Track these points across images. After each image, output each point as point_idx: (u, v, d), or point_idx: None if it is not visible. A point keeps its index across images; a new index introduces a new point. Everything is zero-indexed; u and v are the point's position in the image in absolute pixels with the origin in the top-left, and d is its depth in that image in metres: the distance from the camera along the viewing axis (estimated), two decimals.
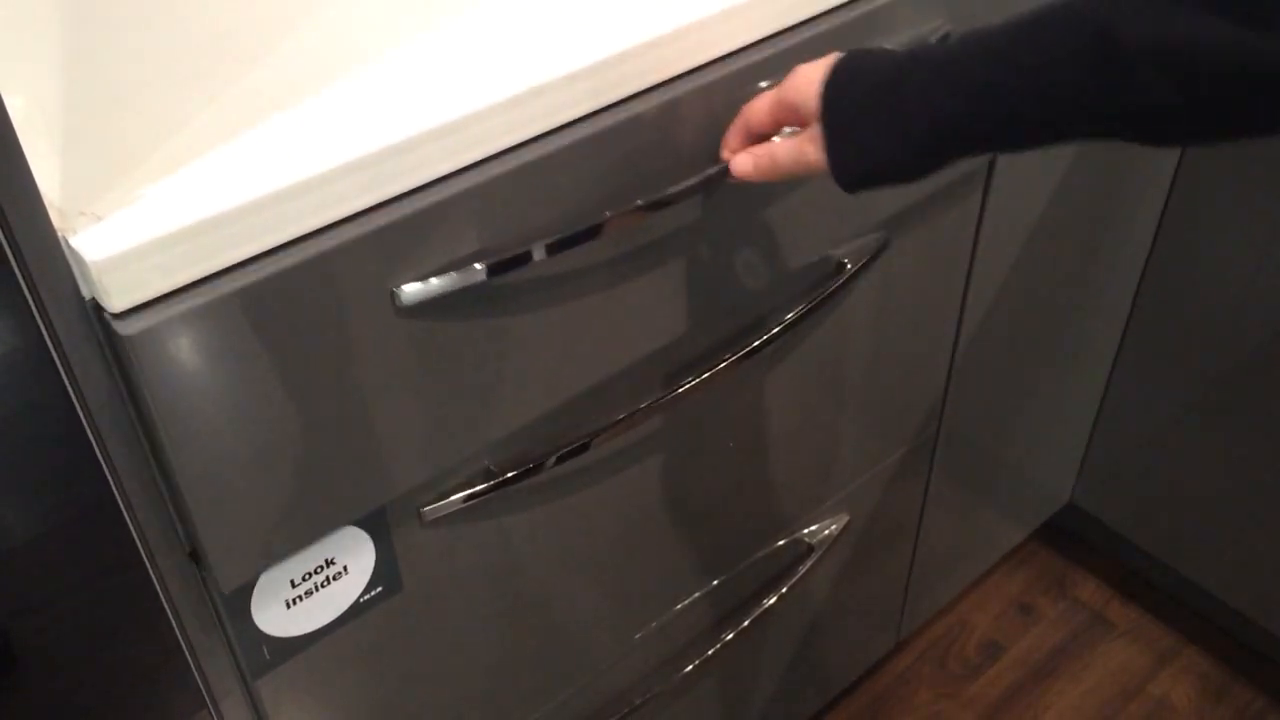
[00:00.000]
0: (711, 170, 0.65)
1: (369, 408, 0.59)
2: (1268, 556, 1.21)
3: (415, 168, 0.56)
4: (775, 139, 0.63)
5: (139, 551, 0.62)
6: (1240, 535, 1.23)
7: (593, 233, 0.62)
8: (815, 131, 0.59)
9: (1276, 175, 1.04)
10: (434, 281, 0.57)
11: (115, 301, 0.49)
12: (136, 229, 0.49)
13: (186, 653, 0.66)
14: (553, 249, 0.60)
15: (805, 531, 1.01)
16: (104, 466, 0.57)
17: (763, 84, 0.67)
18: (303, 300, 0.54)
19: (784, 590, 1.01)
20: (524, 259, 0.59)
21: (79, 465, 0.60)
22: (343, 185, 0.54)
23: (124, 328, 0.49)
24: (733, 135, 0.65)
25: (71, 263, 0.49)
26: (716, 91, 0.65)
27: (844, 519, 1.04)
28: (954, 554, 1.29)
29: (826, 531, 1.03)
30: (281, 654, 0.66)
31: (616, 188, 0.63)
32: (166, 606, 0.63)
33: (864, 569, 1.14)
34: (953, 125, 0.55)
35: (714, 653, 0.99)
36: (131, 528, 0.60)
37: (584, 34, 0.62)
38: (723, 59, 0.66)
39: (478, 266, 0.58)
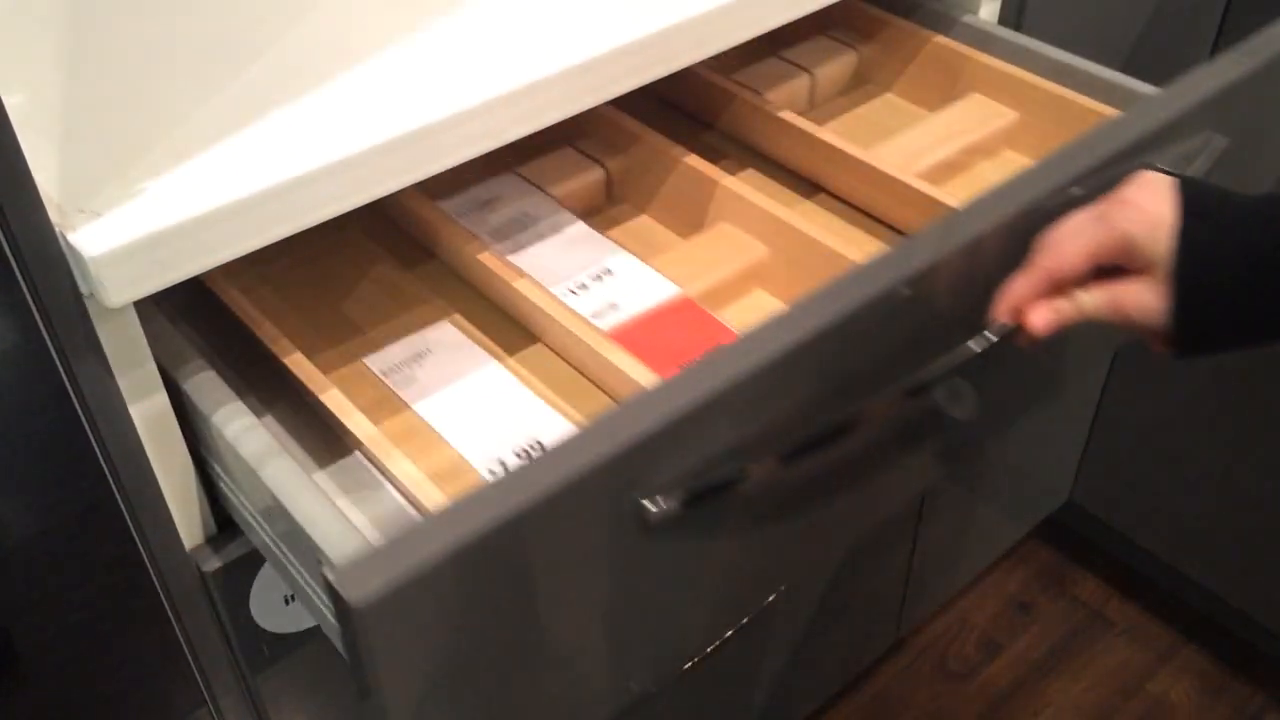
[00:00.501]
0: (987, 337, 0.54)
1: (575, 633, 0.52)
2: (1266, 554, 1.21)
3: (411, 165, 0.56)
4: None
5: (138, 549, 0.62)
6: (1239, 533, 1.23)
7: (845, 429, 0.52)
8: (1157, 280, 0.50)
9: (1274, 173, 1.04)
10: (677, 498, 0.48)
11: (113, 297, 0.49)
12: (134, 225, 0.49)
13: (186, 650, 0.66)
14: (802, 452, 0.51)
15: None
16: (102, 463, 0.58)
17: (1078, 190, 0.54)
18: (535, 534, 0.45)
19: (783, 588, 1.01)
20: (774, 461, 0.51)
21: (78, 462, 0.60)
22: (340, 181, 0.54)
23: (355, 603, 0.40)
24: (1027, 284, 0.53)
25: (69, 259, 0.49)
26: (976, 250, 0.54)
27: None
28: (953, 552, 1.29)
29: None
30: (281, 650, 0.66)
31: (872, 372, 0.54)
32: (166, 603, 0.63)
33: (863, 567, 1.14)
34: None
35: (714, 649, 0.99)
36: (130, 525, 0.60)
37: (581, 29, 0.62)
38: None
39: (729, 475, 0.49)
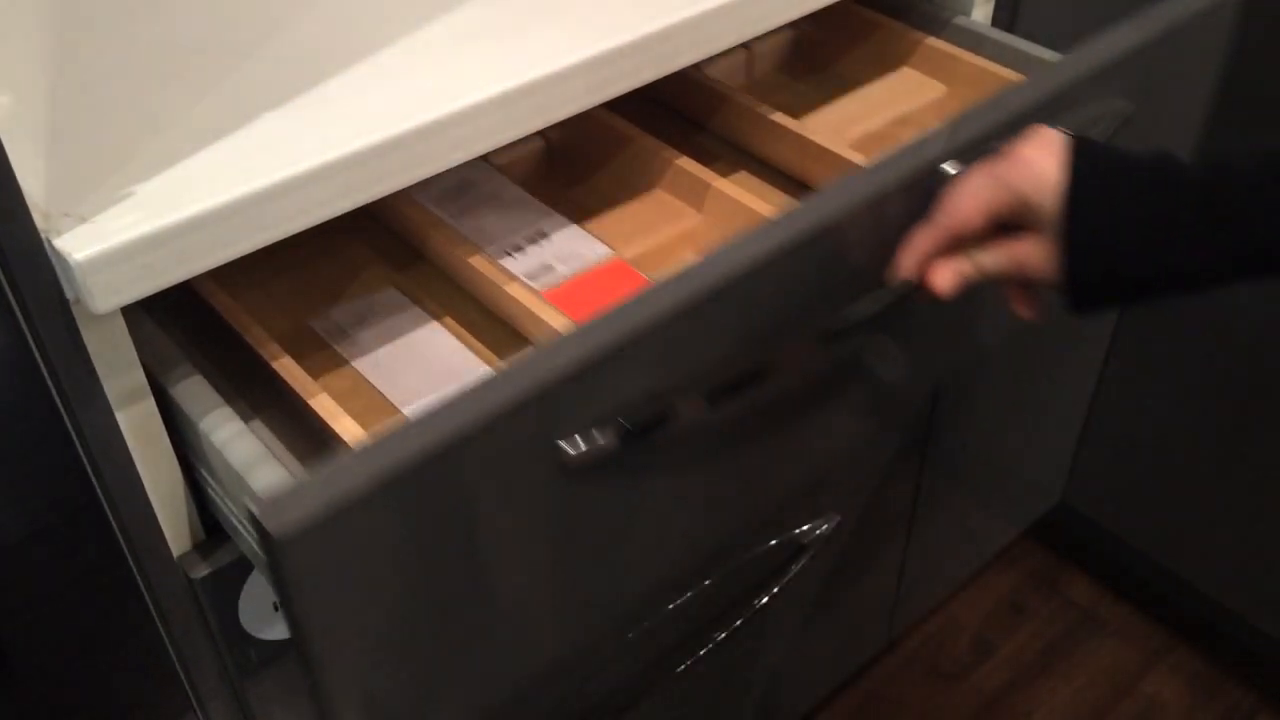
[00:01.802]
0: (890, 294, 0.56)
1: (516, 575, 0.53)
2: (1259, 554, 1.21)
3: (401, 168, 0.55)
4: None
5: (125, 555, 0.61)
6: (1231, 533, 1.23)
7: (764, 374, 0.55)
8: (1048, 237, 0.51)
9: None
10: (596, 439, 0.49)
11: (100, 303, 0.49)
12: (121, 230, 0.49)
13: (173, 655, 0.65)
14: (721, 395, 0.53)
15: (797, 531, 1.01)
16: (88, 468, 0.57)
17: (949, 168, 0.56)
18: (457, 470, 0.46)
19: (776, 590, 1.01)
20: (691, 408, 0.52)
21: (66, 467, 0.60)
22: (328, 185, 0.53)
23: (278, 533, 0.41)
24: (927, 239, 0.54)
25: (55, 264, 0.49)
26: (881, 206, 0.56)
27: (835, 518, 1.04)
28: (945, 553, 1.29)
29: (818, 531, 1.02)
30: (269, 657, 0.65)
31: (784, 321, 0.56)
32: (153, 610, 0.63)
33: (856, 568, 1.14)
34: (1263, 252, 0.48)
35: (706, 652, 0.99)
36: (116, 529, 0.60)
37: (577, 30, 0.61)
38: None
39: (644, 418, 0.50)
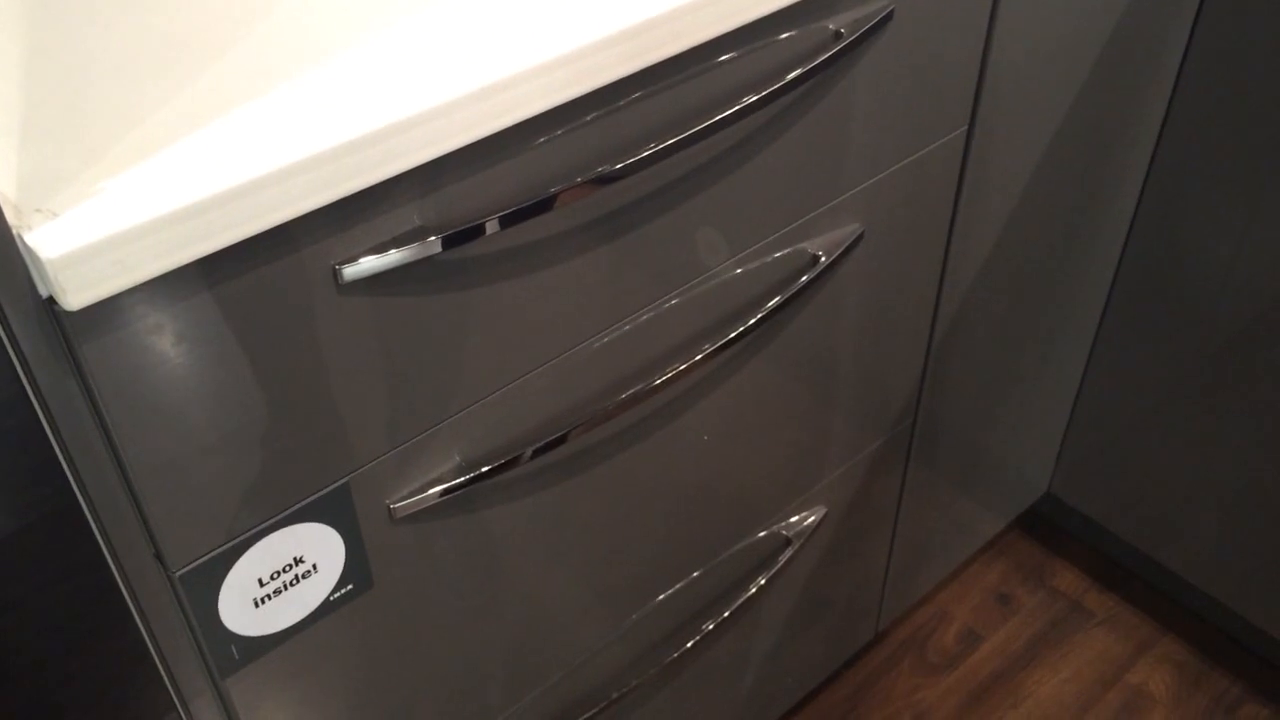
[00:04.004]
0: (669, 141, 0.65)
1: (320, 384, 0.59)
2: (1244, 544, 1.22)
3: (377, 163, 0.55)
4: None
5: (103, 552, 0.61)
6: (1217, 523, 1.23)
7: (543, 206, 0.61)
8: None
9: (1252, 163, 1.04)
10: (381, 258, 0.57)
11: (72, 299, 0.48)
12: (94, 225, 0.48)
13: (154, 653, 0.65)
14: (503, 223, 0.61)
15: (783, 524, 1.01)
16: (65, 467, 0.57)
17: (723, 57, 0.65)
18: (245, 276, 0.54)
19: (763, 582, 1.01)
20: (473, 233, 0.60)
21: (42, 466, 0.60)
22: (303, 180, 0.53)
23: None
24: None
25: (27, 260, 0.48)
26: (673, 71, 0.65)
27: (821, 511, 1.04)
28: (932, 544, 1.29)
29: (805, 524, 1.02)
30: (251, 653, 0.65)
31: (569, 162, 0.63)
32: (132, 607, 0.63)
33: (842, 560, 1.14)
34: None
35: (693, 645, 0.99)
36: (95, 528, 0.59)
37: (550, 25, 0.61)
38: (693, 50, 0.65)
39: (429, 240, 0.58)
